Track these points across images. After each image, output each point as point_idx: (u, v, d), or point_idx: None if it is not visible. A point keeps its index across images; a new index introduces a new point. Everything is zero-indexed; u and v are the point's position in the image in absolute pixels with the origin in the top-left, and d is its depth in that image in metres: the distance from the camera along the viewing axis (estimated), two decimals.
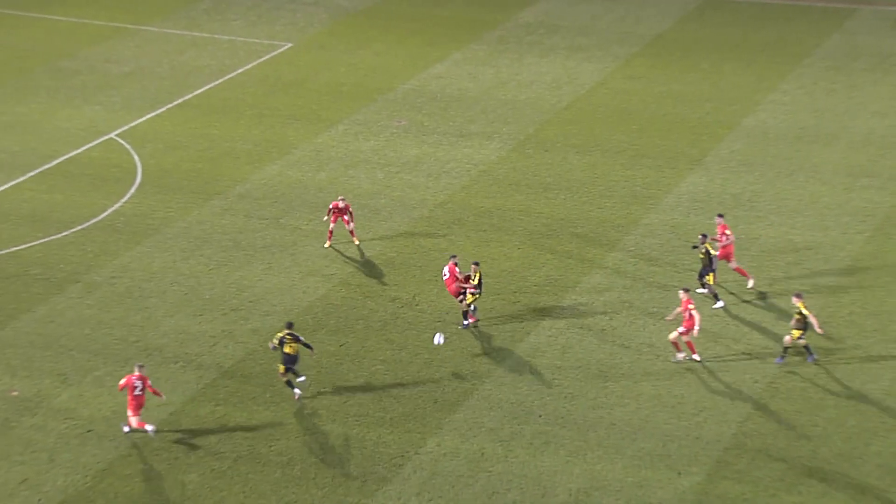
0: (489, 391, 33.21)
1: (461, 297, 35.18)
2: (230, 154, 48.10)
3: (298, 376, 32.50)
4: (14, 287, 38.43)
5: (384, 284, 39.01)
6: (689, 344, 33.09)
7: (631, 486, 29.10)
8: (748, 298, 37.84)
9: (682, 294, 32.63)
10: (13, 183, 45.20)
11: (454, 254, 35.81)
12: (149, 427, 30.54)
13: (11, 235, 41.51)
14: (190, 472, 30.01)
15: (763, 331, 36.16)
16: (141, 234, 41.89)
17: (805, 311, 32.31)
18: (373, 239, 41.10)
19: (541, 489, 29.17)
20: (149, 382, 30.93)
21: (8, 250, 40.57)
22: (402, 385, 33.47)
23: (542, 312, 37.08)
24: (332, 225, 40.19)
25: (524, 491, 29.16)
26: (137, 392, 30.55)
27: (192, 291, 38.36)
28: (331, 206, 40.19)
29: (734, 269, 38.03)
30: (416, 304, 37.83)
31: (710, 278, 36.77)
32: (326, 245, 40.40)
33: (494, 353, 35.08)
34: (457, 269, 35.36)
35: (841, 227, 42.59)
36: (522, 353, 35.18)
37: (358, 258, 40.49)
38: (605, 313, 37.12)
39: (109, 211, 43.33)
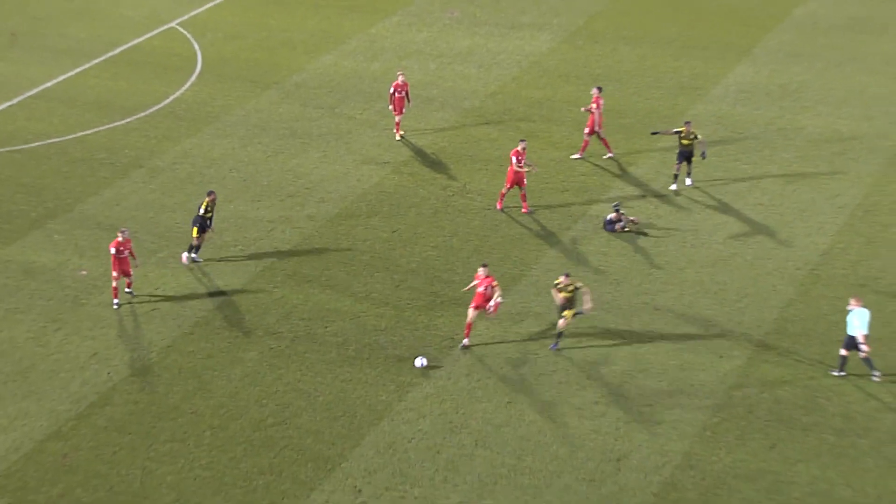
0: (537, 277, 33.25)
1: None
2: (287, 44, 47.82)
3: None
4: (81, 171, 38.73)
5: (436, 173, 38.95)
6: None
7: (674, 369, 29.19)
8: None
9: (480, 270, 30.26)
10: (79, 70, 45.30)
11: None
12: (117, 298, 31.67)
13: (78, 121, 41.70)
14: (249, 350, 30.41)
15: (804, 218, 35.86)
16: (201, 121, 41.90)
17: None
18: (425, 129, 40.91)
19: (586, 371, 29.32)
20: (130, 246, 31.56)
21: (75, 135, 40.78)
22: (452, 270, 33.59)
23: (588, 202, 36.93)
24: (397, 117, 39.89)
25: (569, 373, 29.32)
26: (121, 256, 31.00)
27: (250, 178, 38.45)
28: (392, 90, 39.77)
29: (601, 139, 37.97)
30: (467, 192, 37.79)
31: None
32: (397, 137, 40.27)
33: (542, 240, 35.07)
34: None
35: (888, 117, 41.87)
36: (568, 241, 35.12)
37: (411, 147, 40.42)
38: (650, 202, 36.94)
39: (171, 98, 43.33)
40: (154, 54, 46.83)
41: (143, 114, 42.28)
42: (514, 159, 35.57)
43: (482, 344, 30.33)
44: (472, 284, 30.18)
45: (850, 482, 25.72)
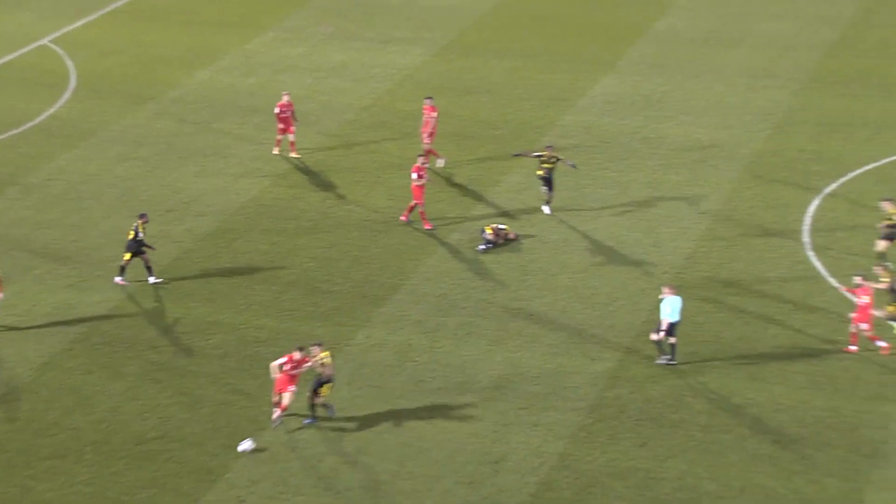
0: (415, 285, 33.34)
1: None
2: (162, 60, 47.14)
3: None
4: None
5: (314, 185, 38.83)
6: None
7: (548, 373, 29.52)
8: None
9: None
10: None
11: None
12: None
13: None
14: (130, 364, 29.89)
15: (669, 223, 36.60)
16: (76, 137, 41.09)
17: None
18: (302, 142, 40.70)
19: (464, 376, 29.48)
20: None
21: None
22: (332, 281, 33.49)
23: (464, 211, 37.14)
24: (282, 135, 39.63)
25: (448, 378, 29.45)
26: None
27: (128, 193, 37.84)
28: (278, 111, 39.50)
29: (428, 150, 38.42)
30: (345, 204, 37.81)
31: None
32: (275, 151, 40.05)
33: (420, 250, 35.17)
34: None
35: (744, 126, 43.00)
36: (446, 250, 35.29)
37: (289, 161, 40.21)
38: (524, 210, 37.32)
39: (45, 115, 42.43)
40: (26, 71, 45.81)
41: (15, 131, 41.33)
42: (414, 175, 35.64)
43: (363, 351, 30.30)
44: (281, 362, 27.12)
45: (715, 476, 26.31)
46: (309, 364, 27.23)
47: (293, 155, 39.97)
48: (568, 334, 30.96)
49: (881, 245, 32.38)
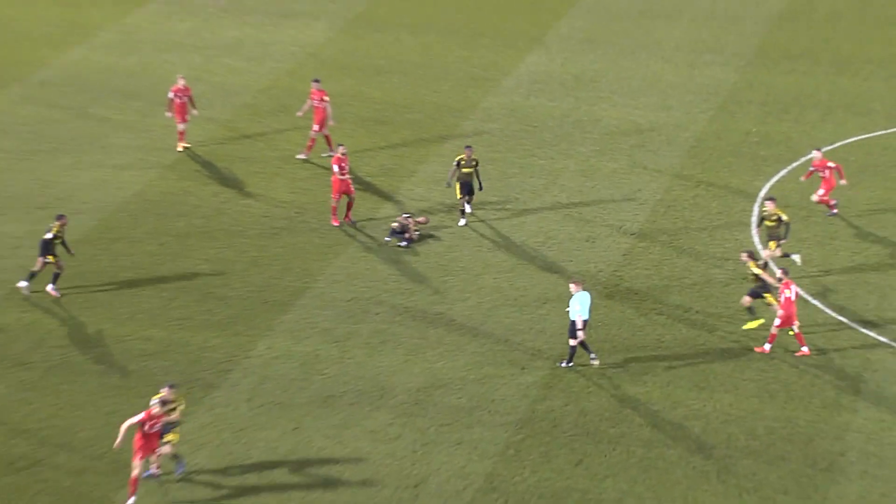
0: (322, 289, 33.21)
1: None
2: (28, 37, 46.42)
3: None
4: None
5: (207, 178, 38.55)
6: None
7: (473, 384, 29.52)
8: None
9: None
10: None
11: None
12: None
13: None
14: None
15: (604, 216, 36.91)
16: None
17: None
18: (193, 129, 40.28)
19: (379, 390, 29.36)
20: None
21: None
22: (228, 286, 33.23)
23: (377, 204, 37.11)
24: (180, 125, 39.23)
25: (361, 392, 29.31)
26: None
27: None
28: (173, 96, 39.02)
29: (325, 136, 38.80)
30: (242, 199, 37.58)
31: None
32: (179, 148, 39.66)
33: (327, 249, 35.07)
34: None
35: (685, 107, 43.48)
36: (357, 249, 35.21)
37: (177, 150, 39.85)
38: (442, 204, 37.39)
39: None
40: None
41: None
42: (335, 167, 35.47)
43: (264, 363, 30.08)
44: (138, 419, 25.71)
45: (659, 496, 26.42)
46: (166, 419, 25.63)
47: (181, 146, 39.62)
48: (494, 341, 31.02)
49: (775, 250, 32.63)
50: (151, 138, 40.45)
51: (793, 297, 30.02)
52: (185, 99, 39.16)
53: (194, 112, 39.44)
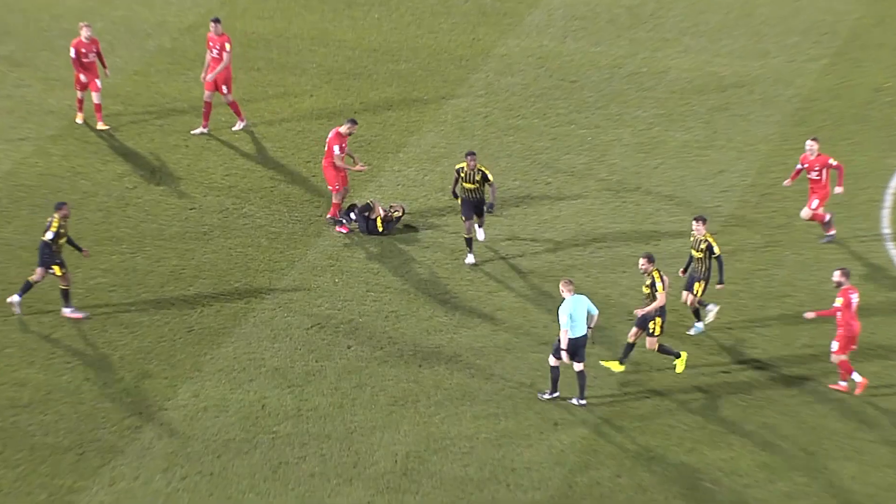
0: (271, 312, 32.95)
1: None
2: None
3: None
4: None
5: (104, 154, 38.80)
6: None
7: (485, 445, 29.31)
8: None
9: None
10: None
11: None
12: None
13: None
14: None
15: (672, 207, 36.74)
16: None
17: None
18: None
19: (352, 455, 29.21)
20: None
21: None
22: (136, 306, 33.10)
23: (350, 190, 37.05)
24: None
25: (326, 458, 29.04)
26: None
27: None
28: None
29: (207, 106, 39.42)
30: (157, 184, 37.74)
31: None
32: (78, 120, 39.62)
33: (279, 256, 35.18)
34: None
35: (787, 52, 43.52)
36: (320, 254, 35.14)
37: (64, 116, 39.85)
38: (443, 190, 37.38)
39: None
40: None
41: None
42: (336, 149, 35.68)
43: (189, 418, 29.88)
44: None
45: None
46: None
47: (100, 126, 39.50)
48: (513, 385, 30.72)
49: (687, 298, 32.52)
50: (25, 97, 40.64)
51: (854, 308, 30.35)
52: (93, 56, 39.03)
53: (106, 74, 39.30)
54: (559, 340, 30.06)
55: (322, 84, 41.77)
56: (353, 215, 35.92)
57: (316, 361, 31.69)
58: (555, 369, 30.28)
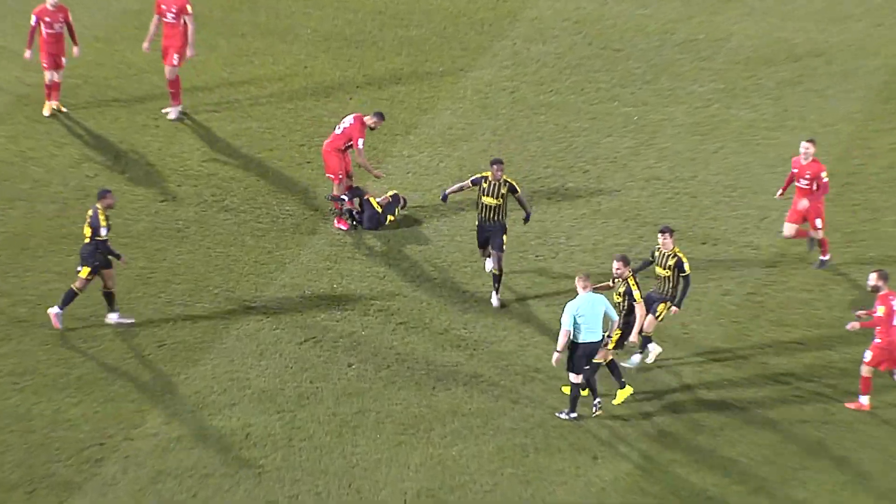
0: (256, 324, 32.96)
1: None
2: None
3: None
4: None
5: (59, 136, 38.94)
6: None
7: (511, 482, 29.31)
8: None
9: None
10: None
11: None
12: None
13: None
14: None
15: (735, 198, 36.67)
16: None
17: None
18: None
19: (354, 493, 29.22)
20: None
21: None
22: (95, 318, 33.09)
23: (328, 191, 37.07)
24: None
25: (323, 498, 29.15)
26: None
27: None
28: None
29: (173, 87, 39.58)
30: (121, 171, 37.96)
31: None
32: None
33: (266, 257, 35.24)
34: None
35: (872, 16, 43.72)
36: (315, 254, 35.16)
37: (44, 113, 40.00)
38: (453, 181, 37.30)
39: None
40: None
41: None
42: (360, 142, 35.78)
43: (159, 449, 29.84)
44: None
45: None
46: None
47: (50, 106, 39.36)
48: (544, 410, 30.66)
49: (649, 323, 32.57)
50: None
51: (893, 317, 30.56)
52: (61, 28, 38.95)
53: (75, 51, 39.23)
54: (574, 350, 30.39)
55: (318, 53, 41.79)
56: (354, 213, 35.98)
57: (310, 382, 31.65)
58: (575, 386, 30.52)
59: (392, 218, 36.07)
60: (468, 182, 34.01)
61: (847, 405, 30.95)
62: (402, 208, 36.39)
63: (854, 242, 35.95)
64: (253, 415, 30.88)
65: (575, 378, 30.42)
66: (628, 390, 31.14)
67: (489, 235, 33.76)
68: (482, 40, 42.69)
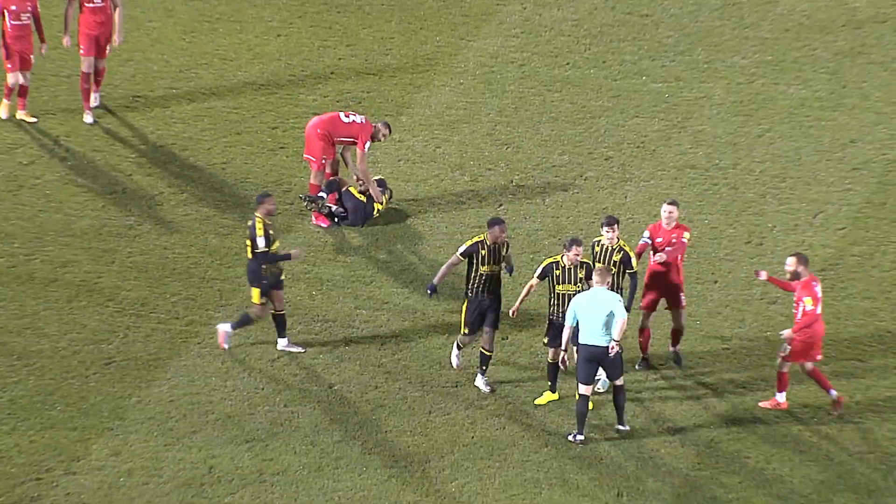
0: (215, 340, 33.03)
1: None
2: None
3: None
4: None
5: None
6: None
7: None
8: None
9: None
10: None
11: None
12: None
13: None
14: None
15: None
16: None
17: None
18: None
19: None
20: None
21: None
22: (31, 353, 33.11)
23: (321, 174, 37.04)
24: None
25: None
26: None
27: None
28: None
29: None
30: (42, 191, 37.87)
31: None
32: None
33: (241, 263, 35.13)
34: None
35: None
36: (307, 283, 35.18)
37: (3, 117, 40.19)
38: (451, 177, 37.38)
39: None
40: None
41: None
42: (367, 145, 36.01)
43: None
44: None
45: None
46: None
47: (23, 117, 39.27)
48: (558, 440, 30.80)
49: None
50: None
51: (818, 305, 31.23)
52: (27, 18, 38.87)
53: (42, 49, 39.09)
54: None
55: (293, 18, 41.89)
56: (334, 208, 35.93)
57: (285, 406, 31.66)
58: (582, 400, 30.84)
59: (380, 207, 36.09)
60: (457, 257, 33.11)
61: (762, 404, 31.52)
62: (389, 198, 36.37)
63: None
64: (217, 445, 30.91)
65: (581, 388, 30.80)
66: (554, 396, 31.85)
67: (486, 310, 33.20)
68: (487, 4, 42.78)
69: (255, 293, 32.85)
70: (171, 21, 40.38)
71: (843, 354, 33.06)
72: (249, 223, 32.67)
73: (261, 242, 32.56)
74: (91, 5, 38.67)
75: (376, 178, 36.47)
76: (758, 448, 30.63)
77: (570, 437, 31.05)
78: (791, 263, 31.29)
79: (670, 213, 32.63)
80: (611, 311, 30.53)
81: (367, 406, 31.64)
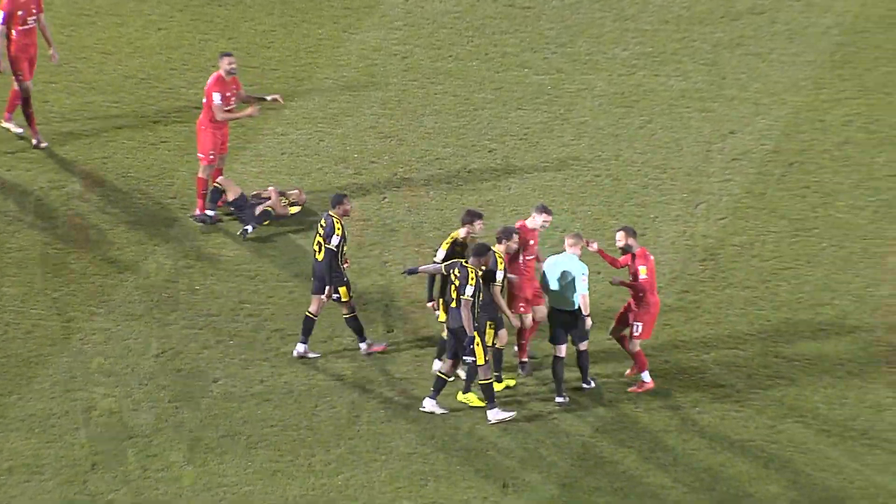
0: (97, 336, 32.84)
1: None
2: None
3: None
4: None
5: None
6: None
7: None
8: None
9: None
10: None
11: None
12: None
13: None
14: None
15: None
16: None
17: None
18: None
19: None
20: None
21: None
22: None
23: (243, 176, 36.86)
24: None
25: None
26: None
27: None
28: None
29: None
30: None
31: None
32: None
33: (123, 256, 34.94)
34: None
35: None
36: (170, 250, 34.93)
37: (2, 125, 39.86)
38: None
39: None
40: None
41: None
42: (215, 97, 35.61)
43: None
44: None
45: None
46: None
47: (4, 124, 38.96)
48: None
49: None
50: None
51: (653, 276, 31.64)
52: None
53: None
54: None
55: (174, 12, 41.72)
56: (232, 208, 35.89)
57: (168, 402, 31.51)
58: (557, 361, 31.38)
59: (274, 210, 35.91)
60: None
61: (632, 390, 31.82)
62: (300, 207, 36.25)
63: (803, 232, 36.13)
64: (100, 441, 30.72)
65: (556, 350, 31.46)
66: (502, 384, 32.00)
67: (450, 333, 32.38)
68: None
69: (343, 292, 32.75)
70: (49, 14, 39.94)
71: (724, 343, 33.15)
72: (324, 222, 32.43)
73: (335, 241, 32.30)
74: (25, 27, 37.90)
75: (294, 191, 36.44)
76: (640, 438, 30.68)
77: (556, 400, 31.51)
78: (621, 237, 31.57)
79: (545, 221, 32.21)
80: (572, 279, 31.15)
81: (251, 400, 31.52)
